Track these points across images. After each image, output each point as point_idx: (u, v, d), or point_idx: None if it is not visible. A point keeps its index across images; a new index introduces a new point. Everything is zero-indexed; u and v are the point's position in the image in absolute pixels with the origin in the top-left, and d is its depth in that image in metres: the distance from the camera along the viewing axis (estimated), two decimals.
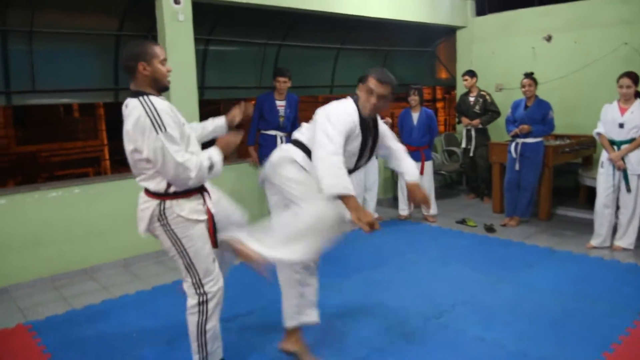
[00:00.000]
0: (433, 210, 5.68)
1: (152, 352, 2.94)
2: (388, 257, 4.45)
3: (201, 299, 2.46)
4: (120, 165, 14.75)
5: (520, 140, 5.15)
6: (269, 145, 5.10)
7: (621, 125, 4.32)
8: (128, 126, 2.26)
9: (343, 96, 5.44)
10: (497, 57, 7.08)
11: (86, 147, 16.37)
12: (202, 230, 2.43)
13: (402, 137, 5.66)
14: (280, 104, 5.09)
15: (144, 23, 5.09)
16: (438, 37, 7.87)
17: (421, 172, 5.54)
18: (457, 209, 6.15)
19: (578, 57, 6.36)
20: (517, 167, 5.18)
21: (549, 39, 6.61)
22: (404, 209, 5.77)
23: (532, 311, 3.29)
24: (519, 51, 6.84)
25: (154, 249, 4.62)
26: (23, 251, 4.01)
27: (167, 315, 3.42)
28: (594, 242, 4.57)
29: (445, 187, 7.50)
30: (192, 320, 2.48)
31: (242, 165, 5.34)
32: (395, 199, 6.21)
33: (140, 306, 3.62)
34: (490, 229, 5.16)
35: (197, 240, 2.42)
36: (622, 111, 4.34)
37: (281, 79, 5.00)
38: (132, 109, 2.25)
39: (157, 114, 2.23)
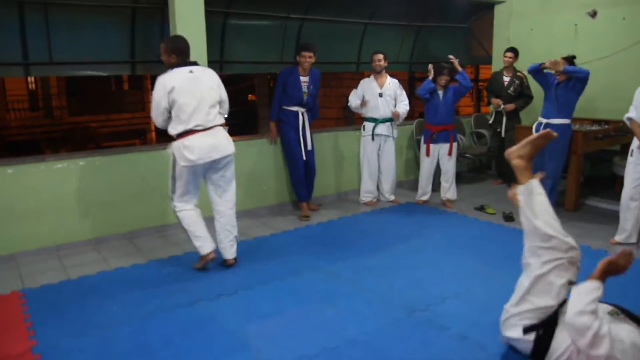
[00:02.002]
0: (452, 194, 5.42)
1: (124, 327, 2.93)
2: (391, 242, 4.28)
3: None
4: (165, 137, 15.09)
5: (544, 121, 4.81)
6: (290, 121, 5.02)
7: None
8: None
9: (370, 73, 5.28)
10: (536, 35, 6.61)
11: (133, 119, 16.81)
12: None
13: (427, 115, 5.36)
14: (304, 80, 4.96)
15: None
16: (474, 12, 7.44)
17: (449, 153, 5.27)
18: (480, 195, 5.86)
19: (625, 35, 5.83)
20: None
21: (593, 14, 6.10)
22: (421, 194, 5.52)
23: None
24: (559, 28, 6.36)
25: (158, 223, 4.66)
26: (29, 220, 4.12)
27: (152, 289, 3.44)
28: (618, 237, 4.23)
29: (474, 171, 7.18)
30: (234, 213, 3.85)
31: (262, 141, 5.26)
32: (417, 181, 5.97)
33: (132, 279, 3.65)
34: (509, 217, 4.88)
35: None
36: None
37: (306, 54, 4.85)
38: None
39: None
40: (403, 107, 5.45)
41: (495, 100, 6.12)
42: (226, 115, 3.74)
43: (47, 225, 4.19)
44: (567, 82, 4.73)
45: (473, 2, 6.81)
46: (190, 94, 3.46)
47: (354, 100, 5.45)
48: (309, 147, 5.10)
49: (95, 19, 5.06)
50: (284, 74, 5.00)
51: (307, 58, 4.88)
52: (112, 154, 4.50)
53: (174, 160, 3.54)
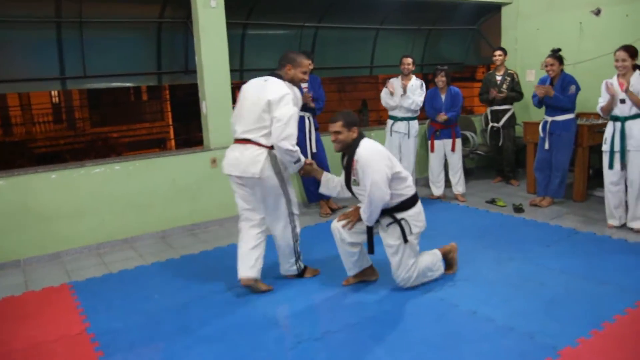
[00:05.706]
0: (461, 188, 5.68)
1: (166, 312, 3.26)
2: None
3: (294, 224, 3.51)
4: (184, 144, 15.53)
5: (549, 118, 5.05)
6: (298, 127, 5.27)
7: (622, 101, 4.26)
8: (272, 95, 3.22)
9: (386, 76, 5.61)
10: (542, 34, 6.84)
11: (153, 128, 17.28)
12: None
13: (431, 116, 5.66)
14: (304, 86, 5.21)
15: (182, 10, 5.42)
16: (482, 14, 7.70)
17: (452, 149, 5.56)
18: (492, 189, 6.09)
19: (629, 31, 6.01)
20: (546, 146, 5.09)
21: (597, 12, 6.30)
22: (434, 190, 5.78)
23: (533, 289, 3.32)
24: (564, 27, 6.57)
25: (189, 222, 4.99)
26: (72, 221, 4.47)
27: (188, 279, 3.76)
28: (612, 222, 4.48)
29: (486, 167, 7.39)
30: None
31: None
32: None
33: (168, 272, 3.97)
34: (518, 209, 5.11)
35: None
36: (621, 86, 4.25)
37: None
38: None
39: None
40: (408, 100, 5.57)
41: (492, 91, 6.21)
42: (275, 139, 3.23)
43: (87, 226, 4.54)
44: (561, 84, 4.96)
45: (480, 4, 7.06)
46: (244, 100, 3.37)
47: (384, 97, 5.69)
48: (314, 150, 5.32)
49: (124, 34, 5.47)
50: None
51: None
52: (144, 158, 4.84)
53: None
